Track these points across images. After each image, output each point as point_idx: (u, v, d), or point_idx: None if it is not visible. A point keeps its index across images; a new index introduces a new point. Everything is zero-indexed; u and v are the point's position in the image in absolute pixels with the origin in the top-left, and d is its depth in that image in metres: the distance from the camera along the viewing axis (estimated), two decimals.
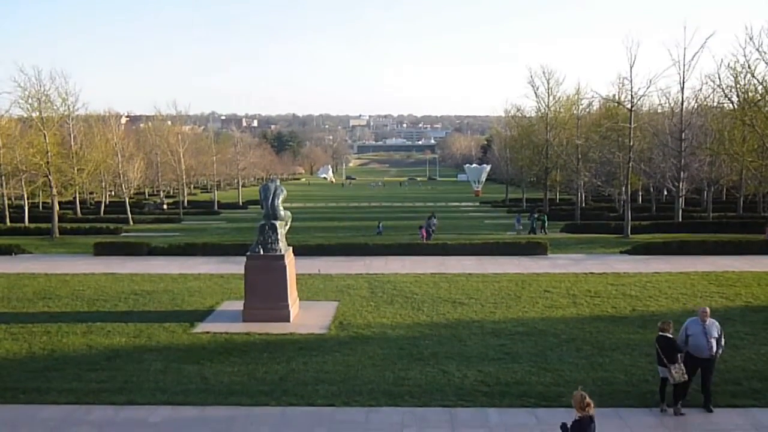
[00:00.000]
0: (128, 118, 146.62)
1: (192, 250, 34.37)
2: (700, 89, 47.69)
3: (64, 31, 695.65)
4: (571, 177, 61.27)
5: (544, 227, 46.08)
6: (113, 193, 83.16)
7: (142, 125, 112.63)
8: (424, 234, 40.11)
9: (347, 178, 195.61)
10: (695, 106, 47.43)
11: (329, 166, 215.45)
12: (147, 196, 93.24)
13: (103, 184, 72.23)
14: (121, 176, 65.10)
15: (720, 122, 44.60)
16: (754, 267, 28.27)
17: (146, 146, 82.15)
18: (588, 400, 8.63)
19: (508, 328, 18.77)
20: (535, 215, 47.47)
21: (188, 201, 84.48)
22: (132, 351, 16.99)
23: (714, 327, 12.68)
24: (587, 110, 62.89)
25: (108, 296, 23.81)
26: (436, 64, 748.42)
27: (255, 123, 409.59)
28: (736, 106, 41.28)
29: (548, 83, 62.49)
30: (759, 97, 38.08)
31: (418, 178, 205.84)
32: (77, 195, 65.85)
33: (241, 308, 20.09)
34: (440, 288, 24.68)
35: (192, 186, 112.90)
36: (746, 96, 39.06)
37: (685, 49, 40.63)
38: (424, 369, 15.22)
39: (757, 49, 35.27)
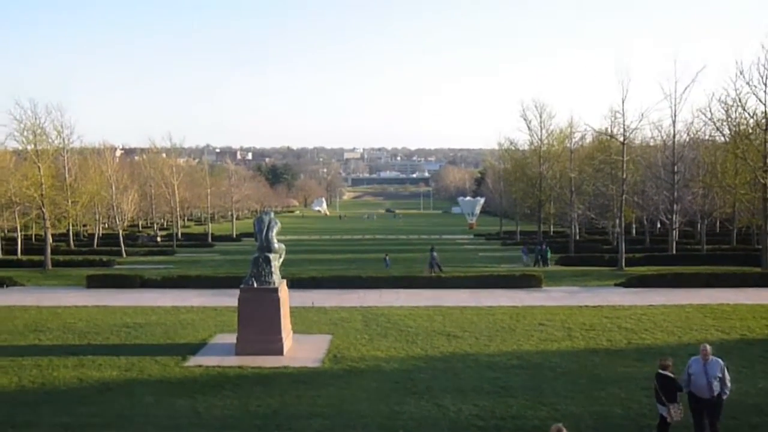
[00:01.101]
0: (123, 151, 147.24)
1: (185, 282, 34.24)
2: (692, 122, 48.28)
3: (61, 63, 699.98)
4: (564, 209, 61.47)
5: (546, 259, 46.19)
6: (107, 225, 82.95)
7: (136, 158, 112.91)
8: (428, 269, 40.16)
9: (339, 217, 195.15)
10: (687, 139, 47.93)
11: (323, 199, 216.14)
12: (141, 228, 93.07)
13: (97, 216, 72.09)
14: (115, 208, 64.97)
15: (712, 155, 44.95)
16: (750, 299, 28.26)
17: (140, 178, 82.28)
18: None
19: (503, 361, 18.66)
20: (545, 246, 47.49)
21: (182, 233, 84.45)
22: (124, 384, 16.81)
23: (716, 366, 12.22)
24: (580, 143, 63.14)
25: (100, 329, 23.61)
26: (430, 97, 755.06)
27: (249, 156, 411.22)
28: (727, 139, 41.60)
29: (541, 117, 62.79)
30: (750, 130, 38.42)
31: (397, 211, 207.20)
32: (71, 227, 65.73)
33: (234, 341, 19.95)
34: (435, 321, 24.58)
35: (186, 218, 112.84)
36: (738, 129, 39.39)
37: (676, 82, 41.25)
38: (419, 403, 15.09)
39: (748, 83, 35.73)
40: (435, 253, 41.23)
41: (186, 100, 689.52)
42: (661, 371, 12.39)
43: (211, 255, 61.38)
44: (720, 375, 12.21)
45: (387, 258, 46.57)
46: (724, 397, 12.29)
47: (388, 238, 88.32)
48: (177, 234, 77.71)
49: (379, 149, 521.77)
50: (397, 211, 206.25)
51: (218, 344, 21.10)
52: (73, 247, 65.25)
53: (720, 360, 12.47)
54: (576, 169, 56.36)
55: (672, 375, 12.33)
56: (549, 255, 46.85)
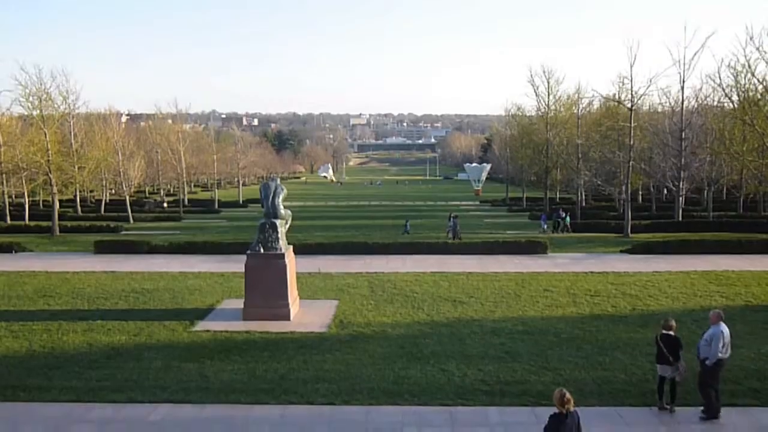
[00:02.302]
0: (129, 117, 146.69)
1: (192, 248, 34.40)
2: (701, 88, 47.83)
3: (66, 29, 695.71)
4: (571, 176, 61.27)
5: (567, 225, 46.61)
6: (113, 191, 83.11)
7: (142, 124, 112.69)
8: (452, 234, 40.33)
9: (337, 182, 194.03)
10: (695, 106, 47.43)
11: (329, 165, 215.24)
12: (147, 195, 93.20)
13: (104, 182, 72.20)
14: (122, 174, 65.00)
15: (720, 121, 44.55)
16: (754, 266, 28.28)
17: (147, 145, 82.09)
18: (568, 396, 8.73)
19: (508, 327, 18.77)
20: (564, 214, 47.51)
21: (189, 199, 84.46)
22: (132, 349, 17.01)
23: (712, 332, 12.39)
24: (587, 109, 62.77)
25: (108, 294, 23.82)
26: (437, 63, 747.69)
27: (255, 122, 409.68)
28: (736, 106, 41.20)
29: (548, 82, 62.23)
30: (759, 97, 38.01)
31: (398, 179, 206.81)
32: (77, 193, 65.94)
33: (242, 307, 20.09)
34: (440, 287, 24.69)
35: (192, 184, 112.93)
36: (746, 95, 38.99)
37: (685, 48, 41.07)
38: (424, 368, 15.22)
39: (757, 49, 35.18)
40: (457, 220, 41.26)
41: (192, 65, 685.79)
42: (665, 331, 12.59)
43: (218, 221, 61.53)
44: (707, 340, 12.39)
45: (408, 224, 46.46)
46: (708, 363, 12.36)
47: (395, 204, 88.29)
48: (184, 200, 77.75)
49: (386, 115, 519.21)
50: (403, 178, 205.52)
51: (225, 309, 21.26)
52: (80, 213, 65.57)
53: (719, 327, 12.44)
54: (583, 135, 56.01)
55: (675, 334, 12.51)
56: (569, 221, 47.00)
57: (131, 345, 17.38)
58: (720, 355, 12.23)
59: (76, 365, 15.66)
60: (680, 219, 45.92)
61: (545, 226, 47.07)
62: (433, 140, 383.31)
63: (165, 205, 77.96)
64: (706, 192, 56.63)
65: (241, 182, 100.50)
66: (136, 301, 22.82)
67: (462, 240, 37.36)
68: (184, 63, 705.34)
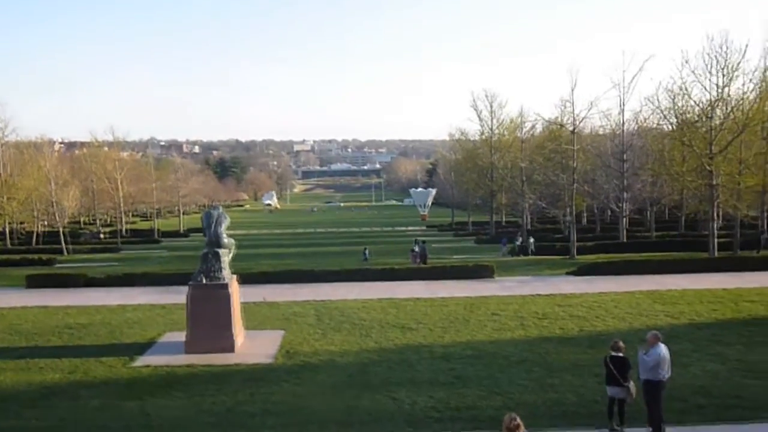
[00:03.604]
0: (63, 145, 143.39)
1: (132, 280, 33.69)
2: (640, 111, 49.27)
3: None
4: (516, 199, 62.25)
5: (529, 250, 47.02)
6: (46, 222, 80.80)
7: (77, 152, 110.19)
8: (416, 260, 40.31)
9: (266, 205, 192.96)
10: (636, 128, 48.91)
11: (273, 193, 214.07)
12: (83, 225, 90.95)
13: (36, 213, 70.10)
14: (55, 205, 63.26)
15: (660, 143, 45.89)
16: (697, 284, 29.03)
17: (82, 173, 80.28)
18: (517, 422, 8.68)
19: (457, 352, 18.84)
20: (525, 239, 48.11)
21: (127, 229, 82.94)
22: (67, 388, 16.42)
23: (655, 357, 12.51)
24: (531, 133, 63.91)
25: (42, 331, 23.00)
26: (380, 87, 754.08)
27: (197, 149, 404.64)
28: (674, 127, 42.56)
29: (491, 106, 63.49)
30: (696, 118, 39.38)
31: (345, 204, 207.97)
32: (6, 225, 63.80)
33: (184, 339, 19.69)
34: (388, 313, 24.67)
35: (131, 214, 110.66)
36: (684, 117, 40.32)
37: (624, 71, 42.06)
38: (374, 396, 15.14)
39: (693, 72, 36.68)
40: (425, 245, 41.40)
41: (130, 92, 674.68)
42: (614, 353, 12.78)
43: (159, 251, 60.49)
44: (653, 364, 12.49)
45: (367, 251, 46.07)
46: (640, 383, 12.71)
47: (340, 231, 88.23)
48: (122, 230, 76.25)
49: (330, 141, 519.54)
50: (350, 204, 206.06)
51: (167, 343, 20.80)
52: (9, 245, 63.39)
53: (660, 349, 12.58)
54: (527, 158, 57.12)
55: (624, 355, 12.73)
56: (532, 246, 47.33)
57: (66, 383, 16.79)
58: (663, 375, 12.50)
59: (14, 404, 15.09)
60: (624, 239, 47.03)
61: (505, 249, 47.54)
62: (378, 166, 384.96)
63: (102, 235, 76.17)
64: (648, 212, 58.22)
65: (182, 211, 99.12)
66: (71, 337, 22.10)
67: (427, 264, 37.67)
68: (121, 89, 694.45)
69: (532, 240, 48.31)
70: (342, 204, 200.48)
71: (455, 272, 33.71)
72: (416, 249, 41.28)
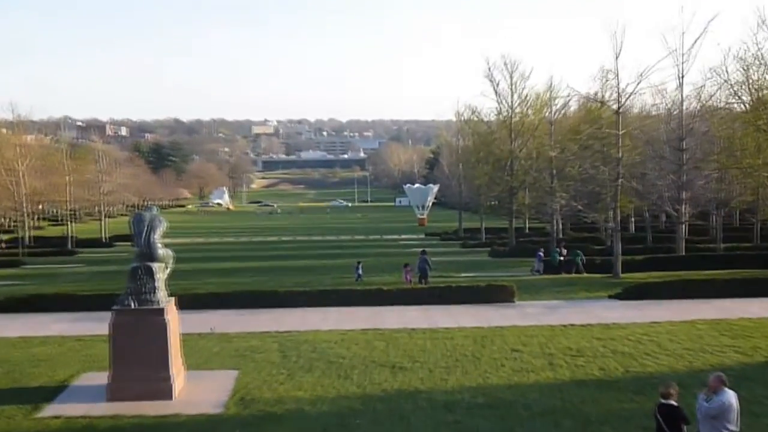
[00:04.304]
0: None
1: (39, 303, 33.53)
2: (703, 86, 49.04)
3: None
4: (543, 199, 62.13)
5: (579, 266, 46.06)
6: None
7: None
8: (409, 278, 40.50)
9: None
10: (698, 108, 48.79)
11: (225, 189, 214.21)
12: None
13: None
14: None
15: (729, 127, 45.81)
16: None
17: None
18: None
19: (464, 400, 18.85)
20: (569, 252, 47.45)
21: (33, 237, 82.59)
22: None
23: (718, 404, 12.53)
24: (562, 113, 63.90)
25: None
26: (366, 53, 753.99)
27: (124, 131, 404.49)
28: (747, 107, 42.59)
29: (512, 77, 63.18)
30: None
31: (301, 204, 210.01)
32: None
33: (106, 382, 19.62)
34: (375, 348, 24.67)
35: (38, 217, 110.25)
36: (759, 95, 40.25)
37: (683, 34, 41.93)
38: None
39: None
40: (424, 256, 41.10)
41: (32, 58, 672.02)
42: (663, 401, 12.77)
43: (74, 266, 60.24)
44: (711, 413, 12.52)
45: (360, 266, 45.19)
46: None
47: (313, 240, 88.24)
48: (26, 238, 75.88)
49: (299, 122, 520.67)
50: (325, 204, 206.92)
51: (84, 387, 20.71)
52: None
53: (725, 395, 12.65)
54: (557, 146, 57.02)
55: (676, 403, 12.72)
56: (580, 260, 46.10)
57: None
58: (729, 429, 12.52)
59: None
60: (683, 253, 47.07)
61: (538, 266, 46.89)
62: (362, 154, 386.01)
63: (0, 245, 75.87)
64: (713, 217, 58.35)
65: (105, 213, 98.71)
66: None
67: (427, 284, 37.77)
68: (23, 55, 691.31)
69: (580, 253, 47.11)
70: (348, 204, 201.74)
71: (463, 295, 33.70)
72: (410, 264, 41.19)
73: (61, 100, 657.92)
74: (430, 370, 21.86)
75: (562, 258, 46.83)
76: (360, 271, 44.37)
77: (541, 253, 48.70)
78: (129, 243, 23.59)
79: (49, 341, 26.72)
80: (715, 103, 50.10)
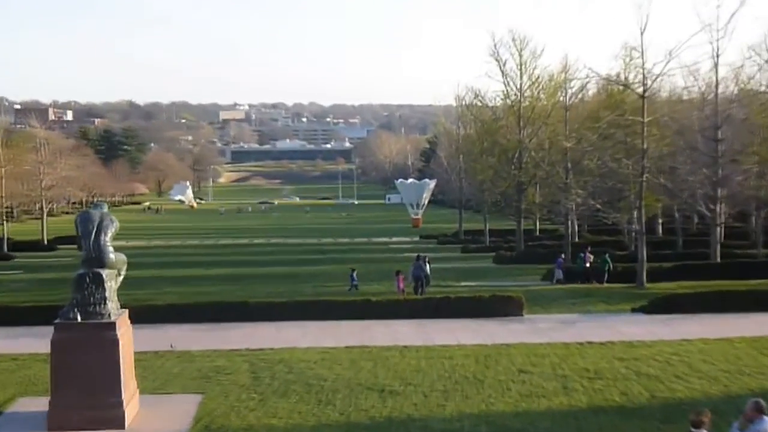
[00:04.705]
0: None
1: None
2: (742, 66, 49.18)
3: None
4: (556, 197, 62.08)
5: (603, 272, 45.67)
6: None
7: None
8: (401, 287, 40.51)
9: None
10: (736, 92, 48.83)
11: (188, 184, 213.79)
12: None
13: None
14: None
15: None
16: None
17: None
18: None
19: (465, 429, 18.87)
20: (597, 255, 47.31)
21: None
22: None
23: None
24: (579, 97, 63.87)
25: None
26: (353, 24, 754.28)
27: (69, 115, 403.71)
28: None
29: (521, 55, 62.96)
30: None
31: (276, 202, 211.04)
32: None
33: (47, 408, 19.55)
34: (360, 369, 24.67)
35: None
36: None
37: (718, 7, 41.88)
38: None
39: None
40: (421, 262, 40.97)
41: None
42: (694, 430, 12.79)
43: (9, 273, 60.08)
44: None
45: (354, 273, 45.12)
46: None
47: (289, 243, 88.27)
48: None
49: (275, 106, 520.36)
50: (305, 203, 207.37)
51: (20, 414, 20.67)
52: None
53: (764, 425, 12.70)
54: (573, 135, 56.96)
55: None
56: (609, 267, 45.67)
57: None
58: None
59: None
60: (718, 259, 47.12)
61: (558, 274, 46.82)
62: (348, 144, 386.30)
63: None
64: (754, 219, 58.38)
65: (45, 211, 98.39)
66: None
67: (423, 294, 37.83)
68: None
69: (609, 260, 46.31)
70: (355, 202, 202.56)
71: (463, 307, 33.73)
72: (403, 272, 41.21)
73: None
74: (425, 395, 21.85)
75: (587, 265, 46.70)
76: (355, 280, 44.37)
77: (561, 259, 48.60)
78: (74, 246, 23.44)
79: None
80: (755, 87, 50.17)
